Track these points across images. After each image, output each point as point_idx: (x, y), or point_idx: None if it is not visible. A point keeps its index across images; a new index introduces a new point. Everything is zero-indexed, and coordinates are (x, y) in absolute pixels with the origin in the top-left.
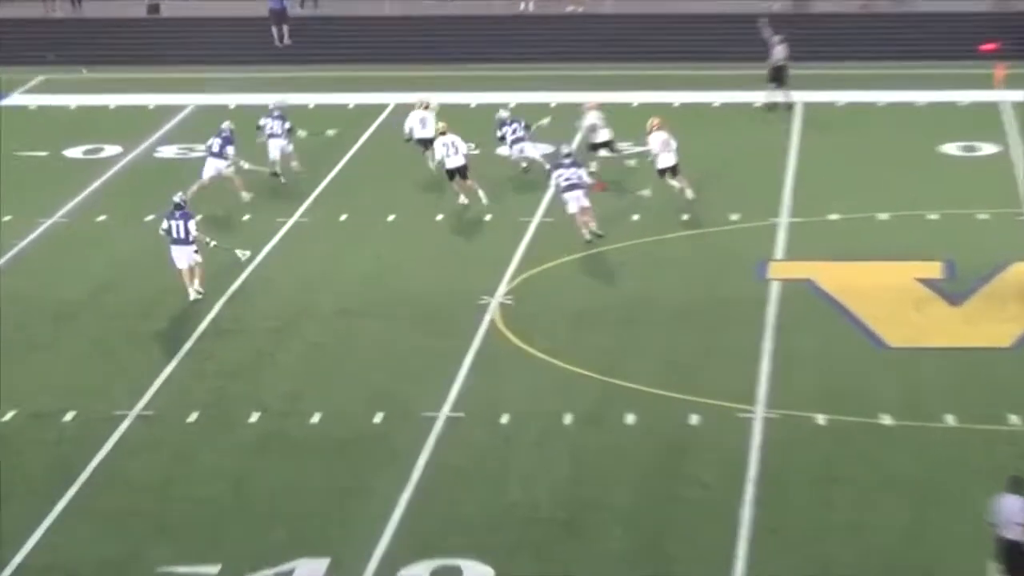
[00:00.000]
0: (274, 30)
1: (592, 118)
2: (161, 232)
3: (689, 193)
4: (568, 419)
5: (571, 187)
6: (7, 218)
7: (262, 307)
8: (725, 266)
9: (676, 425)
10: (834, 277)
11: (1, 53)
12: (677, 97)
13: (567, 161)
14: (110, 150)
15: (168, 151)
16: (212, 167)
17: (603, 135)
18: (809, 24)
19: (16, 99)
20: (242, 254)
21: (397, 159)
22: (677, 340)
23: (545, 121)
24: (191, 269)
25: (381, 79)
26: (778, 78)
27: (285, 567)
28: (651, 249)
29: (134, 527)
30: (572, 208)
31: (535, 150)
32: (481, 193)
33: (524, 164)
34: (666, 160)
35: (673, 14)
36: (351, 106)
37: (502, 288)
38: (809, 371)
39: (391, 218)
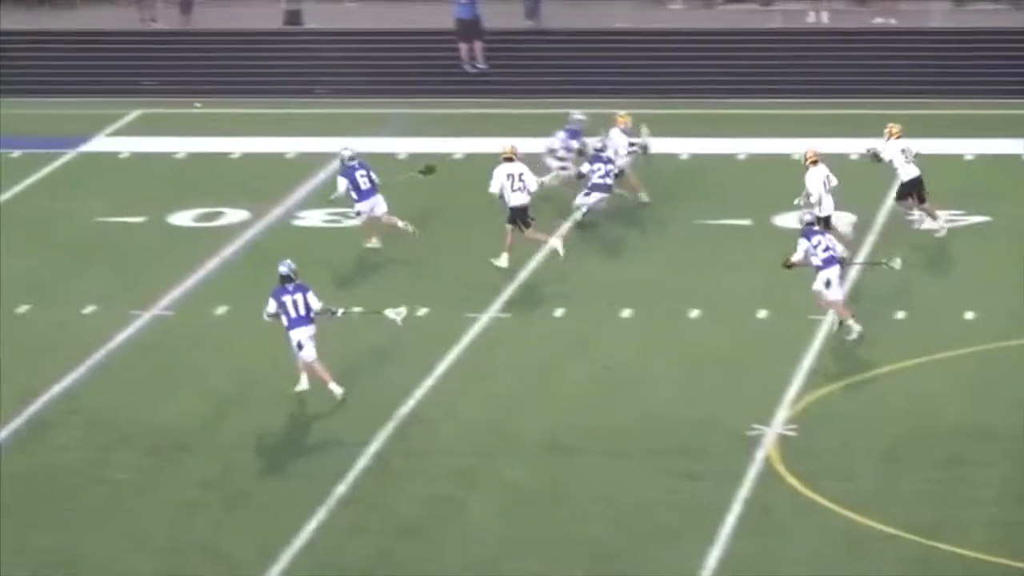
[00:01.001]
0: (462, 48)
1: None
2: (267, 317)
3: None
4: None
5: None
6: (89, 309)
7: (445, 437)
8: None
9: None
10: None
11: (82, 79)
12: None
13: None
14: (233, 215)
15: (313, 217)
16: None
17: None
18: None
19: (102, 143)
20: (396, 314)
21: (636, 232)
22: (1021, 484)
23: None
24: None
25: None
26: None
27: None
28: (990, 359)
29: None
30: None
31: None
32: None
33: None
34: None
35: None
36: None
37: (781, 413)
38: None
39: (626, 313)
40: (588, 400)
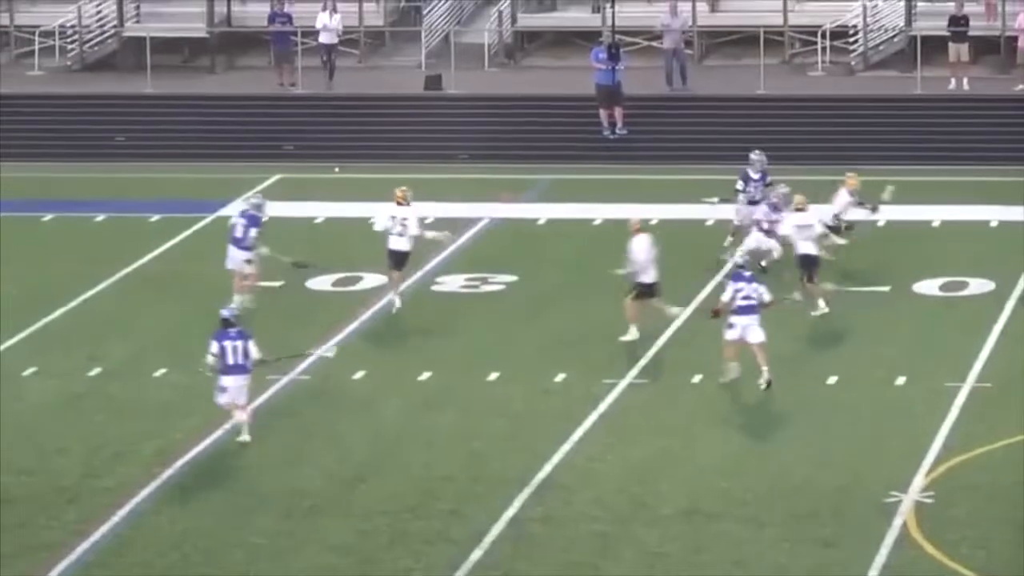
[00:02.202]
0: (602, 114)
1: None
2: (209, 359)
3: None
4: None
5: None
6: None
7: (582, 502)
8: None
9: None
10: None
11: (222, 143)
12: None
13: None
14: (370, 280)
15: (453, 282)
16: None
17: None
18: None
19: (241, 206)
20: (328, 351)
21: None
22: None
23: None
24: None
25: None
26: None
27: None
28: None
29: None
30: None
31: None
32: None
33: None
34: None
35: None
36: (710, 222)
37: (918, 480)
38: None
39: (762, 380)
40: (726, 466)
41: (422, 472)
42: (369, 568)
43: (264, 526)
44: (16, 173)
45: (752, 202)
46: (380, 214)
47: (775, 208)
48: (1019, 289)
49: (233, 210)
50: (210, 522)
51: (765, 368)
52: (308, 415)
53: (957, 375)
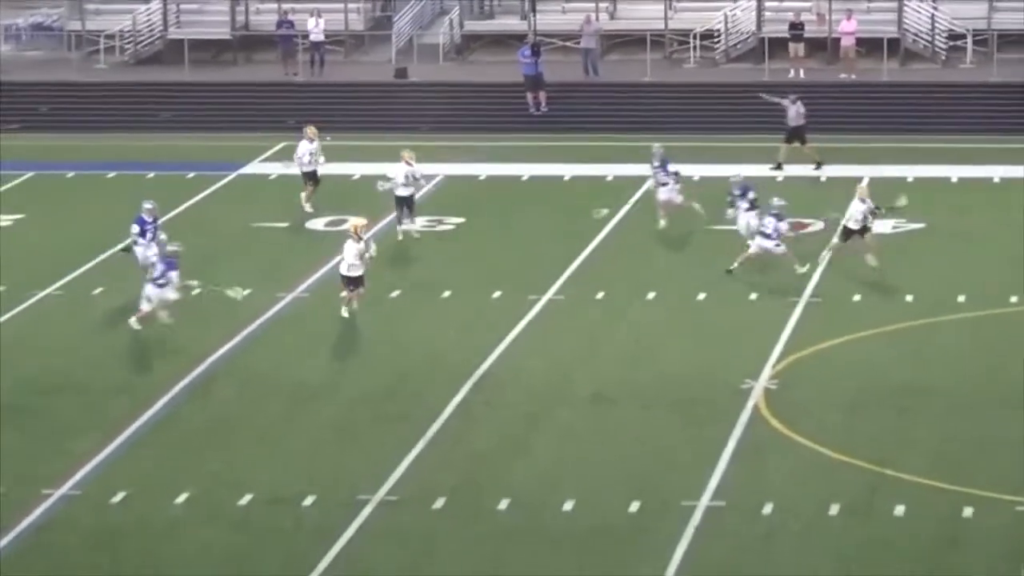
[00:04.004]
0: (529, 97)
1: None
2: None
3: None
4: (834, 510)
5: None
6: (246, 292)
7: (513, 390)
8: (1005, 351)
9: (948, 518)
10: None
11: (242, 118)
12: (955, 171)
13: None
14: (354, 222)
15: (416, 223)
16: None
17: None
18: None
19: (255, 167)
20: (235, 292)
21: (655, 233)
22: (952, 429)
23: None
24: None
25: (641, 149)
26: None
27: None
28: (926, 332)
29: None
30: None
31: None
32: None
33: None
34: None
35: (955, 83)
36: (610, 178)
37: (767, 372)
38: None
39: (650, 296)
40: (624, 362)
41: (392, 367)
42: (354, 440)
43: (273, 410)
44: (87, 142)
45: (661, 184)
46: (396, 171)
47: (778, 219)
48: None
49: (250, 169)
50: (231, 408)
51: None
52: (307, 325)
53: (795, 293)
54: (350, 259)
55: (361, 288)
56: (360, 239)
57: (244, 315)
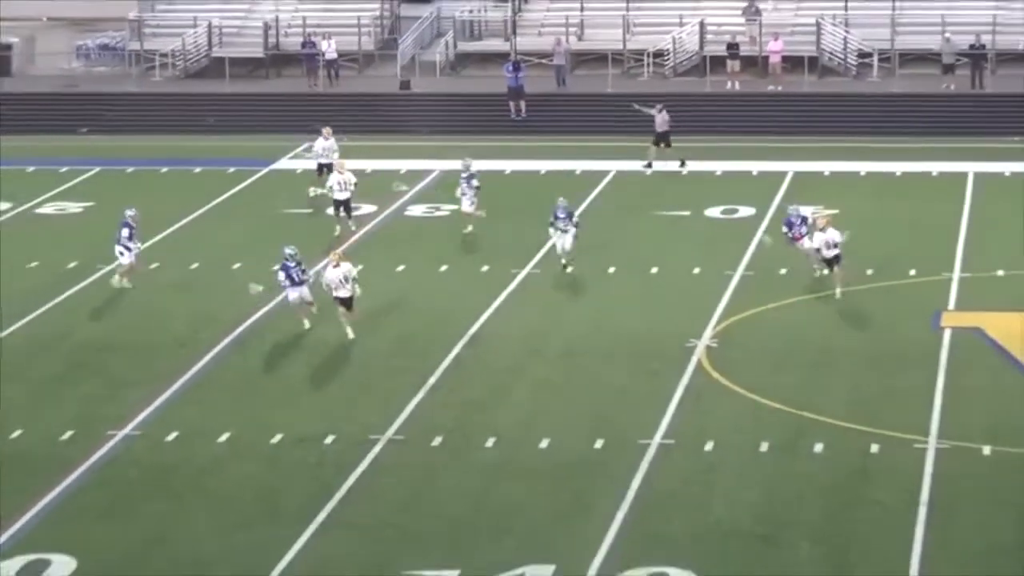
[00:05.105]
0: (511, 105)
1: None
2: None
3: (838, 292)
4: (765, 447)
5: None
6: (260, 288)
7: (498, 348)
8: (904, 315)
9: (859, 454)
10: (1000, 326)
11: (272, 122)
12: (864, 167)
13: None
14: (365, 208)
15: (416, 210)
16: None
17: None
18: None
19: (284, 163)
20: (255, 287)
21: (616, 221)
22: (861, 379)
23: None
24: None
25: (605, 148)
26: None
27: (515, 572)
28: (840, 300)
29: (385, 537)
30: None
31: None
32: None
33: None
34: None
35: (864, 94)
36: (578, 172)
37: (708, 332)
38: (977, 408)
39: (611, 270)
40: (589, 324)
41: (398, 328)
42: (370, 386)
43: (301, 363)
44: (144, 143)
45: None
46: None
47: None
48: (769, 213)
49: (280, 165)
50: (262, 365)
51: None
52: (327, 295)
53: (731, 266)
54: (334, 284)
55: (352, 311)
56: (338, 265)
57: (276, 287)
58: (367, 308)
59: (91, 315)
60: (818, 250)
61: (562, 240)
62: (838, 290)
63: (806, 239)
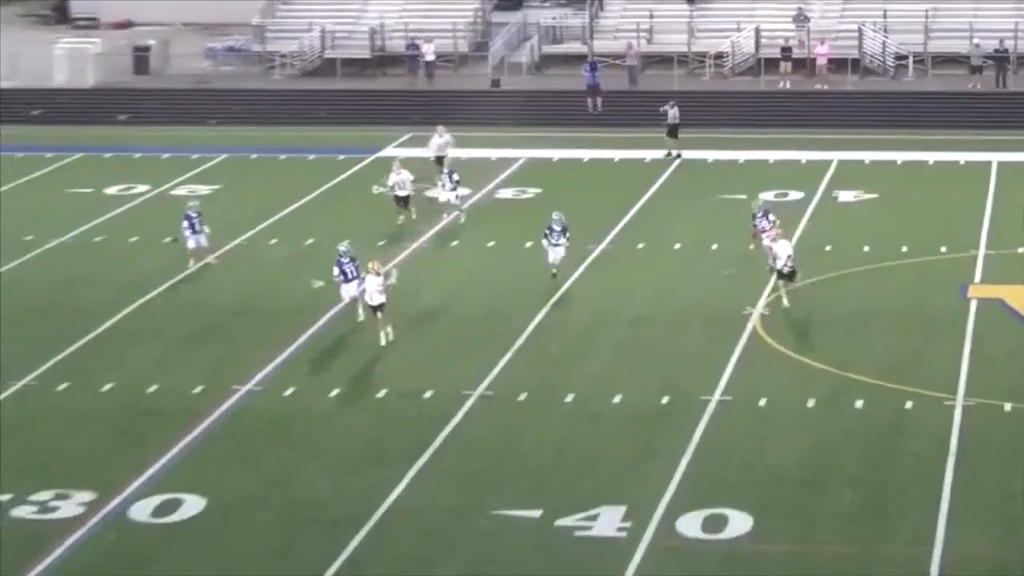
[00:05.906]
0: (589, 101)
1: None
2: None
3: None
4: (811, 403)
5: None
6: (321, 283)
7: (577, 314)
8: (935, 287)
9: (894, 410)
10: (1020, 297)
11: (378, 114)
12: (900, 156)
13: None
14: (462, 191)
15: (506, 193)
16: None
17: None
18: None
19: (389, 151)
20: (317, 283)
21: (681, 203)
22: (897, 343)
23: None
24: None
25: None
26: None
27: (592, 512)
28: (876, 274)
29: (475, 481)
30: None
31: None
32: None
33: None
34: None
35: (900, 92)
36: (647, 160)
37: (761, 302)
38: (999, 370)
39: (677, 247)
40: (657, 294)
41: (488, 296)
42: (463, 348)
43: (402, 327)
44: (265, 133)
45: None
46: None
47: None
48: (816, 197)
49: (385, 152)
50: (368, 329)
51: None
52: (425, 267)
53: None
54: (371, 290)
55: (381, 313)
56: (379, 273)
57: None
58: (459, 280)
59: (217, 285)
60: (774, 258)
61: (554, 253)
62: (785, 300)
63: (767, 237)
